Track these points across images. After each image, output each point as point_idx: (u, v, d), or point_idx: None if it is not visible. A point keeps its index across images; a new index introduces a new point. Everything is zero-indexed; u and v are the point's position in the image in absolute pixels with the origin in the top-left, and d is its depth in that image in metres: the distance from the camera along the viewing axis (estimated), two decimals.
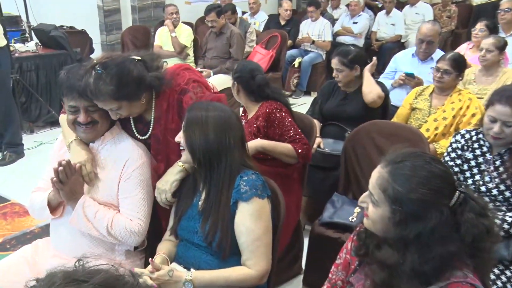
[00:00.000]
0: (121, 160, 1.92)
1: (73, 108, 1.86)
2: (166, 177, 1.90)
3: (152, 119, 1.97)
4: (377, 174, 1.35)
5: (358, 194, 2.67)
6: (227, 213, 1.71)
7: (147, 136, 1.99)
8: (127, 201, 1.90)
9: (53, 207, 1.96)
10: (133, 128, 2.01)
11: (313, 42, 6.74)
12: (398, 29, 7.32)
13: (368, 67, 3.23)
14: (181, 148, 1.80)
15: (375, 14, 7.84)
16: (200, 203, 1.81)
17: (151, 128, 1.97)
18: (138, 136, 2.00)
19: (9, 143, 4.56)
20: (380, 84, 3.21)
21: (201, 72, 5.30)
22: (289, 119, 2.57)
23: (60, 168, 1.79)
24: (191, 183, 1.87)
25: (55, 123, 5.32)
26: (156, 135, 1.97)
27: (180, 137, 1.78)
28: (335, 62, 3.19)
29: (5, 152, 4.54)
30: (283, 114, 2.56)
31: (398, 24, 7.32)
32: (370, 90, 3.12)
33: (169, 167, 1.93)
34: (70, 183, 1.83)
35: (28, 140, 4.93)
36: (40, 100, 5.17)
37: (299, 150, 2.50)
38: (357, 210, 2.45)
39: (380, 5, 8.62)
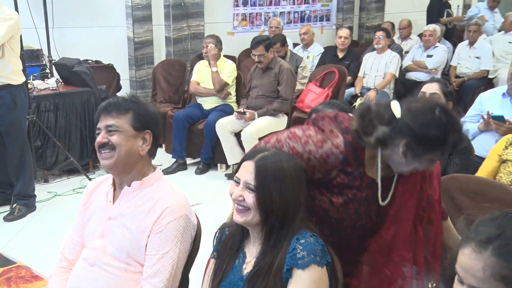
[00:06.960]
0: (158, 209, 1.98)
1: (97, 131, 2.04)
2: None
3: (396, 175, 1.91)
4: (479, 264, 1.21)
5: None
6: (278, 281, 1.70)
7: (388, 199, 1.91)
8: (153, 259, 1.94)
9: None
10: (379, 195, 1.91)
11: (377, 90, 6.71)
12: (485, 63, 7.26)
13: None
14: (239, 207, 1.75)
15: (455, 46, 7.85)
16: (244, 266, 1.81)
17: (392, 188, 1.92)
18: (382, 203, 1.91)
19: (20, 194, 4.70)
20: None
21: (244, 113, 5.49)
22: None
23: None
24: (235, 240, 1.87)
25: (73, 172, 5.55)
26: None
27: (240, 195, 1.74)
28: (433, 87, 3.17)
29: (14, 205, 4.69)
30: None
31: (485, 57, 7.25)
32: None
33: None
34: None
35: (41, 190, 5.11)
36: (58, 145, 5.39)
37: None
38: (431, 285, 2.27)
39: None
